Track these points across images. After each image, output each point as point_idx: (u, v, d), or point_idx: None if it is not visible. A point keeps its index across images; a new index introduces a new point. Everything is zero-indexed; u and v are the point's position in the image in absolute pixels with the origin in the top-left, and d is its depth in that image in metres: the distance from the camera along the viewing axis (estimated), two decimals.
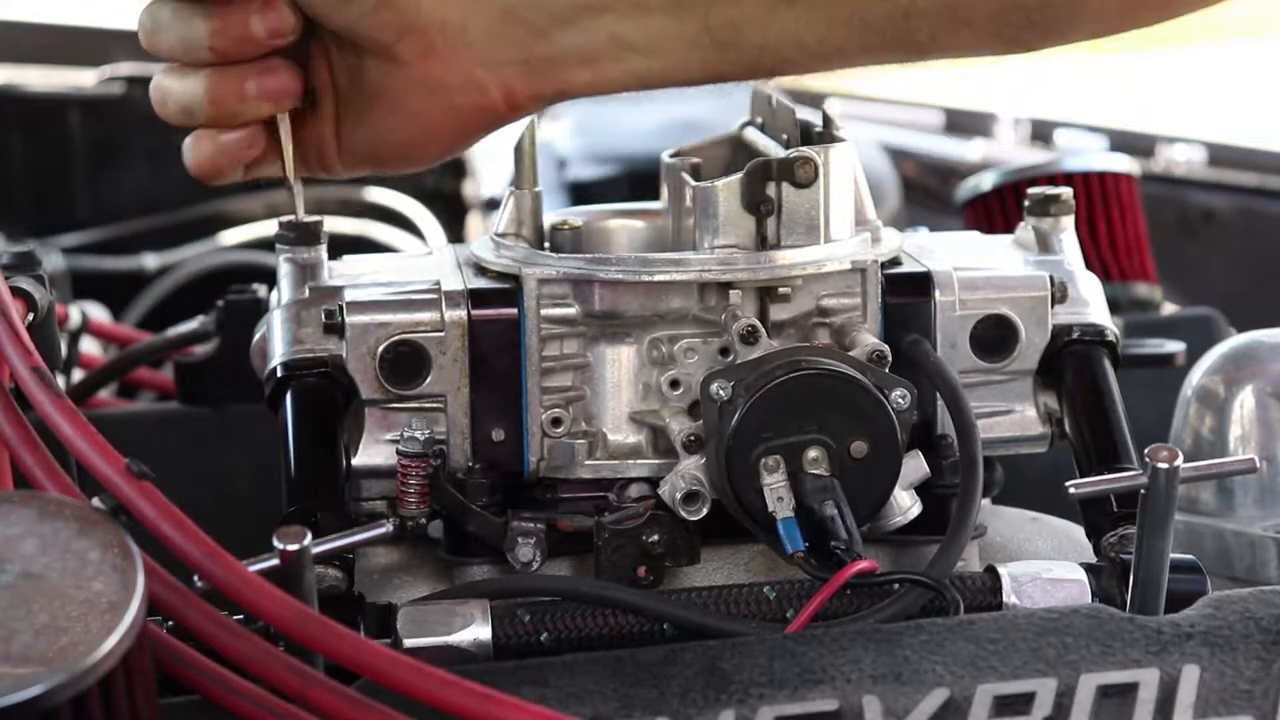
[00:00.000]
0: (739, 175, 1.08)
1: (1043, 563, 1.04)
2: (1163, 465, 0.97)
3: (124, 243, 2.53)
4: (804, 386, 1.03)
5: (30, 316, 1.10)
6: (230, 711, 0.86)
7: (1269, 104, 6.08)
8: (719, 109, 1.99)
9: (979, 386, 1.12)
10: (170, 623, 0.90)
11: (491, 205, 2.38)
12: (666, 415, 1.08)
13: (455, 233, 2.52)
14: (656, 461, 1.09)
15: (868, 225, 1.15)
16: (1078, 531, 1.14)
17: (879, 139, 2.49)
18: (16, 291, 1.10)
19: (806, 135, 1.15)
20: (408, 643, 0.97)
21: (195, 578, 0.89)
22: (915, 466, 1.07)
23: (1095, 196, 1.79)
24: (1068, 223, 1.19)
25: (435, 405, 1.09)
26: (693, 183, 1.10)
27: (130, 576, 0.80)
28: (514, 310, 1.09)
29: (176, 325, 1.54)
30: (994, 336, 1.12)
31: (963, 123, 2.67)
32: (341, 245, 1.19)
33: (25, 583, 0.80)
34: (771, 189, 1.08)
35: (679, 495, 1.05)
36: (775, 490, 1.02)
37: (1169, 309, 1.83)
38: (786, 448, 1.02)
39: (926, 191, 2.54)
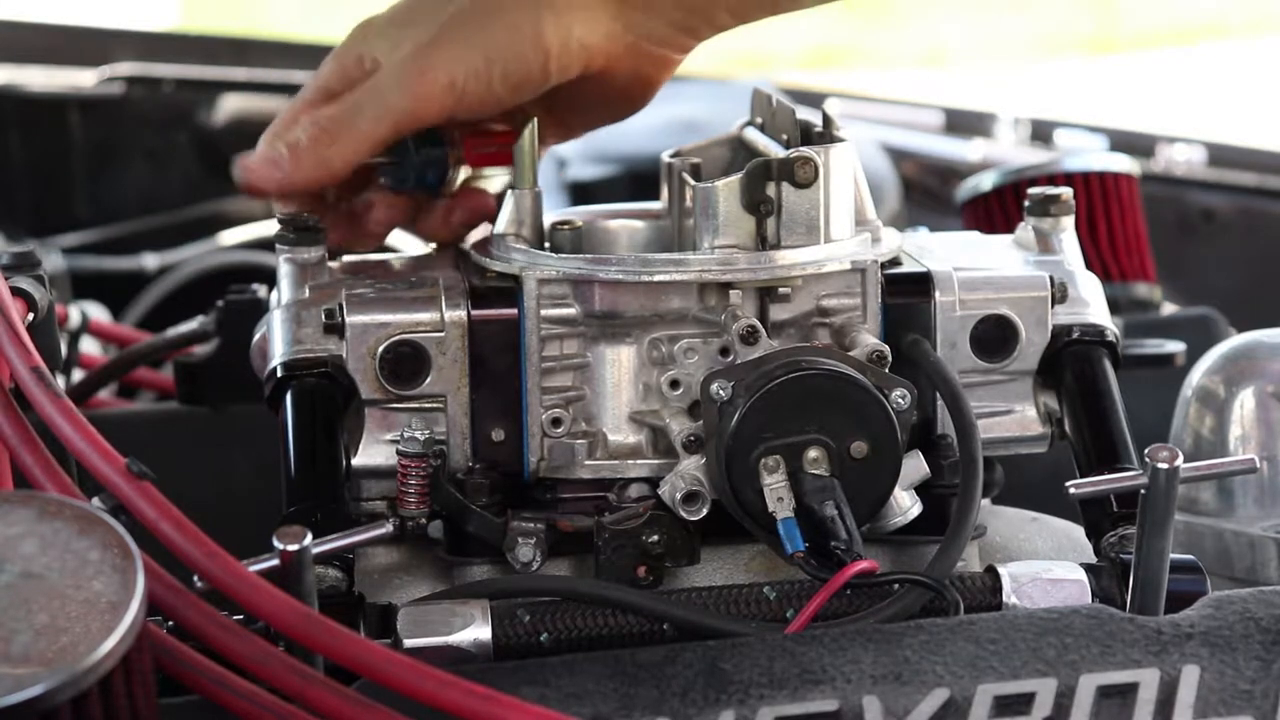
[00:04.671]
0: (739, 175, 1.08)
1: (1043, 563, 1.04)
2: (1163, 465, 0.97)
3: (124, 243, 2.52)
4: (804, 386, 1.03)
5: (30, 316, 1.10)
6: (230, 711, 0.86)
7: (1269, 104, 6.08)
8: (719, 109, 1.99)
9: (979, 386, 1.12)
10: (170, 623, 0.90)
11: None
12: (666, 415, 1.08)
13: None
14: (656, 461, 1.09)
15: (868, 225, 1.15)
16: (1078, 531, 1.14)
17: (879, 139, 2.48)
18: (16, 291, 1.10)
19: (806, 135, 1.15)
20: (408, 643, 0.97)
21: (195, 578, 0.89)
22: (915, 466, 1.07)
23: (1095, 196, 1.79)
24: (1068, 223, 1.19)
25: (435, 405, 1.09)
26: (693, 183, 1.11)
27: (130, 576, 0.80)
28: (514, 310, 1.09)
29: (176, 325, 1.54)
30: (994, 336, 1.12)
31: (963, 123, 2.67)
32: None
33: (25, 583, 0.80)
34: (771, 189, 1.08)
35: (679, 495, 1.05)
36: (775, 490, 1.02)
37: (1169, 309, 1.83)
38: (786, 448, 1.02)
39: (926, 191, 2.54)
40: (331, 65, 1.16)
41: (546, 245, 1.17)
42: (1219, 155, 2.48)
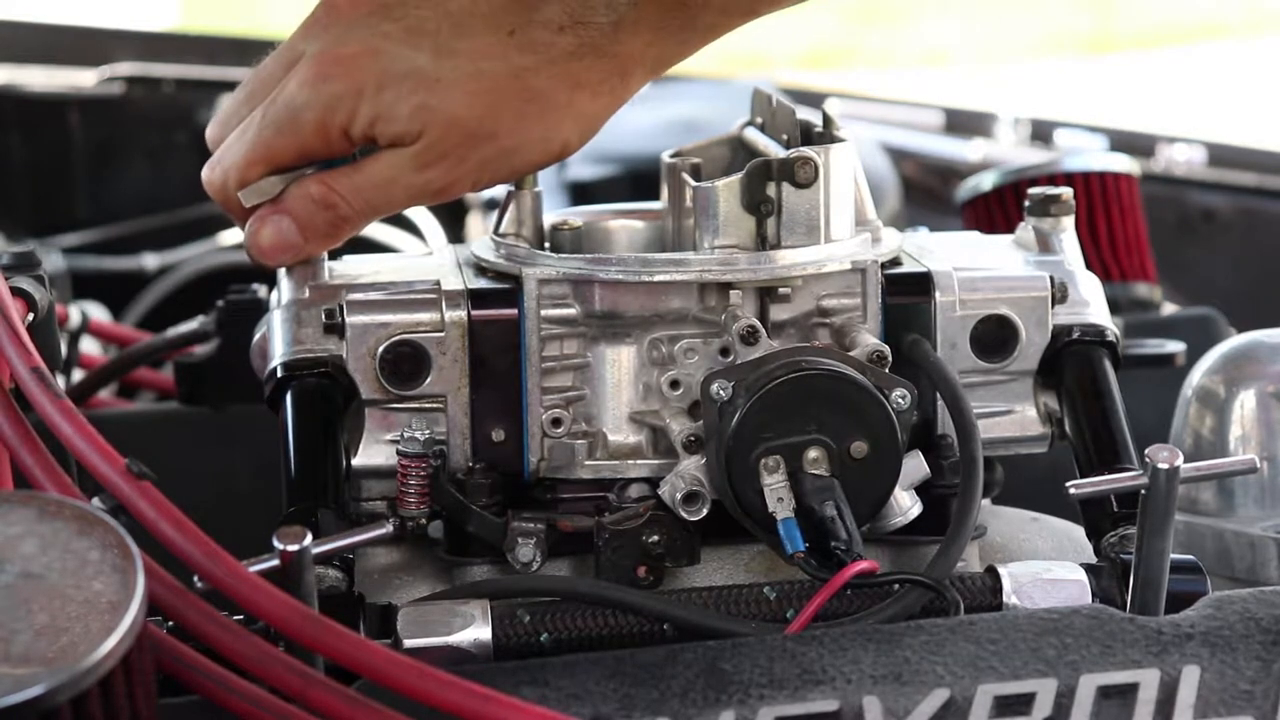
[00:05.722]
0: (739, 175, 1.08)
1: (1043, 563, 1.04)
2: (1163, 465, 0.97)
3: (124, 243, 2.52)
4: (804, 387, 1.03)
5: (30, 316, 1.10)
6: (230, 711, 0.86)
7: (1269, 104, 6.08)
8: (719, 109, 1.99)
9: (979, 386, 1.12)
10: (170, 623, 0.90)
11: (491, 205, 2.38)
12: (666, 415, 1.08)
13: (455, 233, 2.52)
14: (656, 462, 1.09)
15: (868, 225, 1.15)
16: (1078, 531, 1.14)
17: (879, 139, 2.48)
18: (16, 291, 1.10)
19: (806, 135, 1.15)
20: (408, 643, 0.97)
21: (195, 578, 0.89)
22: (915, 466, 1.07)
23: (1095, 196, 1.79)
24: (1068, 223, 1.19)
25: (435, 405, 1.09)
26: (693, 183, 1.11)
27: (130, 576, 0.80)
28: (514, 310, 1.09)
29: (176, 325, 1.54)
30: (994, 336, 1.12)
31: (963, 123, 2.67)
32: (341, 245, 1.19)
33: (25, 583, 0.80)
34: (771, 189, 1.08)
35: (679, 495, 1.05)
36: (775, 491, 1.02)
37: (1169, 309, 1.83)
38: (786, 448, 1.02)
39: (926, 191, 2.54)
40: (317, 118, 1.06)
41: (546, 245, 1.17)
42: (1219, 155, 2.48)
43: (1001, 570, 1.03)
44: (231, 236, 2.51)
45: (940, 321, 1.12)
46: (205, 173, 1.12)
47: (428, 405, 1.09)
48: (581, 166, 2.21)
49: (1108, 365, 1.13)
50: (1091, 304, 1.15)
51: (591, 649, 0.99)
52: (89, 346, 1.81)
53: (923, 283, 1.12)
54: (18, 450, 0.96)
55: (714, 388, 1.04)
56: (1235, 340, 1.28)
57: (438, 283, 1.10)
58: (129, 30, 2.99)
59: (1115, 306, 1.30)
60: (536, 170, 1.12)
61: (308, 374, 1.09)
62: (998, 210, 1.79)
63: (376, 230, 2.51)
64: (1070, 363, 1.13)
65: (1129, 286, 1.79)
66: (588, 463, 1.09)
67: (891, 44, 8.10)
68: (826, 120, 1.14)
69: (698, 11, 1.07)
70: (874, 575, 0.99)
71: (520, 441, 1.09)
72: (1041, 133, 2.61)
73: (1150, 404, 1.32)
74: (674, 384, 1.08)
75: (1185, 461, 0.98)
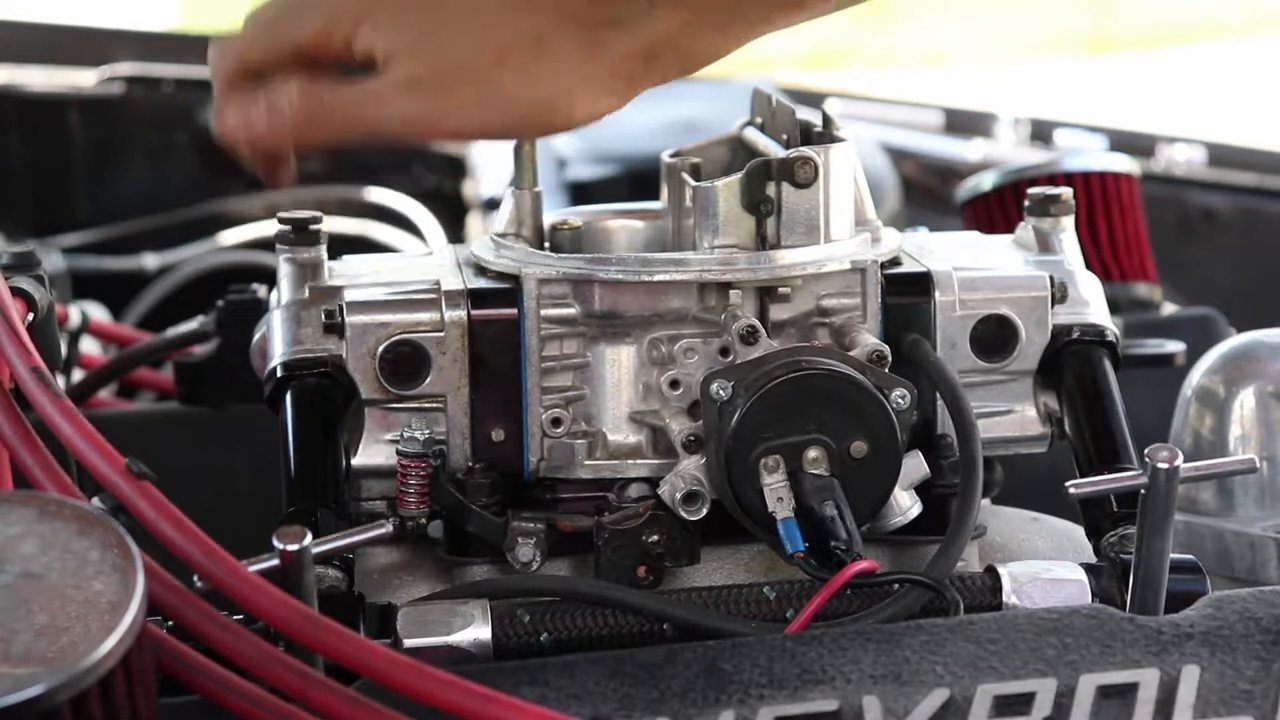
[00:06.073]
0: (739, 175, 1.08)
1: (1043, 563, 1.04)
2: (1163, 465, 0.97)
3: (124, 243, 2.53)
4: (804, 386, 1.03)
5: (30, 316, 1.10)
6: (230, 711, 0.86)
7: (1269, 104, 6.08)
8: (719, 109, 1.99)
9: (979, 386, 1.12)
10: (170, 623, 0.90)
11: (491, 205, 2.38)
12: (666, 415, 1.08)
13: (455, 233, 2.52)
14: (656, 461, 1.09)
15: (868, 225, 1.15)
16: (1078, 531, 1.14)
17: (879, 139, 2.48)
18: (16, 291, 1.10)
19: (806, 135, 1.15)
20: (408, 643, 0.97)
21: (195, 578, 0.89)
22: (915, 466, 1.07)
23: (1095, 196, 1.79)
24: (1068, 223, 1.19)
25: (435, 405, 1.09)
26: (693, 183, 1.11)
27: (130, 576, 0.80)
28: (514, 310, 1.09)
29: (176, 325, 1.54)
30: (994, 336, 1.12)
31: (963, 123, 2.67)
32: (341, 245, 1.19)
33: (25, 583, 0.80)
34: (771, 189, 1.08)
35: (679, 495, 1.05)
36: (775, 490, 1.02)
37: (1169, 309, 1.83)
38: (786, 448, 1.02)
39: (926, 191, 2.54)
40: (319, 24, 1.04)
41: (546, 245, 1.17)
42: (1219, 155, 2.48)
43: (1001, 570, 1.03)
44: (231, 236, 2.51)
45: (940, 321, 1.12)
46: (210, 51, 1.09)
47: (428, 405, 1.09)
48: (581, 166, 2.21)
49: (1108, 365, 1.13)
50: (1091, 304, 1.15)
51: (591, 649, 0.99)
52: (89, 346, 1.81)
53: (922, 282, 1.12)
54: (18, 450, 0.96)
55: (714, 387, 1.04)
56: (1235, 340, 1.28)
57: (438, 283, 1.10)
58: (129, 30, 2.99)
59: (1115, 306, 1.30)
60: (529, 135, 1.09)
61: (308, 374, 1.09)
62: (998, 210, 1.79)
63: (376, 230, 2.52)
64: (1070, 363, 1.13)
65: (1129, 286, 1.79)
66: (587, 462, 1.09)
67: (891, 44, 8.09)
68: (826, 120, 1.14)
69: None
70: (874, 575, 0.99)
71: (520, 441, 1.09)
72: (1041, 133, 2.61)
73: (1150, 404, 1.32)
74: (674, 384, 1.08)
75: (1185, 461, 0.98)
